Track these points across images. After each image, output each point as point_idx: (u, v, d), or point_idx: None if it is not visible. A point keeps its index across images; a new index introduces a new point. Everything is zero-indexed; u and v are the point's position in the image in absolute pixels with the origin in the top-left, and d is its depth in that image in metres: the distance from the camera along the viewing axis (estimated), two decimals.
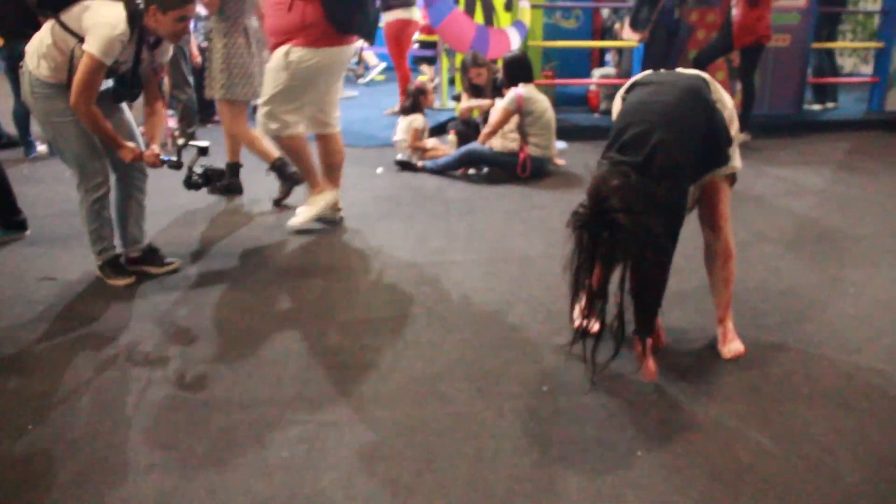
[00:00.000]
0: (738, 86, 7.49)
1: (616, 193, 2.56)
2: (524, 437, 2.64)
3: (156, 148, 3.93)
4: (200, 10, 6.35)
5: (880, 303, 3.81)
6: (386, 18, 8.19)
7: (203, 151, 4.03)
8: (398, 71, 8.36)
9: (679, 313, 3.61)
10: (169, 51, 4.07)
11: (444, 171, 6.25)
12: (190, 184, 4.13)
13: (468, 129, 6.73)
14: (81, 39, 3.62)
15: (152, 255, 4.21)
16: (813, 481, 2.41)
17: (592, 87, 8.62)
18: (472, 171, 6.28)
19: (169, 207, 5.39)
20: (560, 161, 6.46)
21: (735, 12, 7.21)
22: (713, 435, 2.65)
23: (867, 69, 9.97)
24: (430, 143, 6.72)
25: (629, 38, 7.37)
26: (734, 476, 2.43)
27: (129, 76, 3.85)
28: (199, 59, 7.49)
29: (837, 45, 9.14)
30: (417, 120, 6.64)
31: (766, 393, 2.94)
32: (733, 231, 3.21)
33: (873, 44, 8.99)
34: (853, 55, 10.73)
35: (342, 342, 3.36)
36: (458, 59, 7.62)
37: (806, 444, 2.60)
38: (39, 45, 3.71)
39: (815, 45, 8.61)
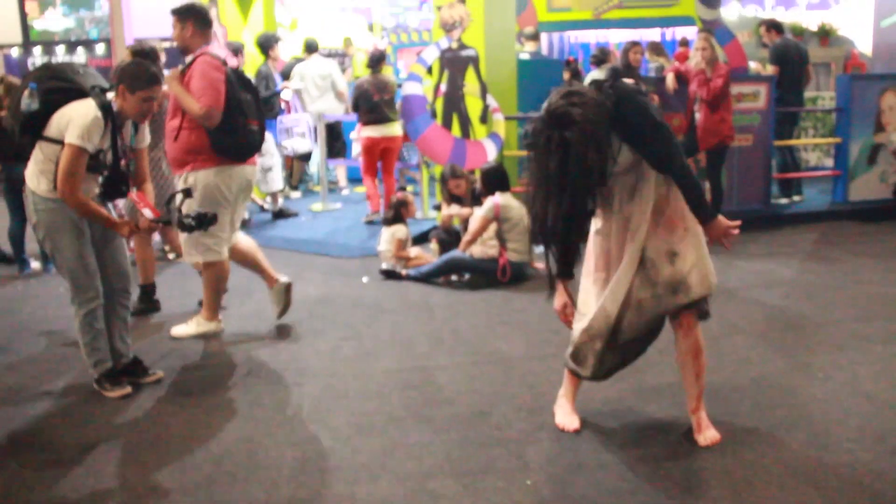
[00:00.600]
0: (707, 185, 7.81)
1: (575, 106, 2.93)
2: None
3: (147, 213, 4.10)
4: None
5: (847, 386, 3.99)
6: (360, 133, 8.57)
7: (188, 193, 4.26)
8: (379, 183, 8.66)
9: (655, 406, 3.77)
10: (146, 136, 4.30)
11: (427, 278, 6.45)
12: (183, 226, 4.21)
13: (449, 237, 6.96)
14: (62, 144, 3.90)
15: (136, 366, 4.35)
16: None
17: None
18: (454, 277, 6.49)
19: (149, 317, 5.53)
20: (538, 265, 6.68)
21: (698, 116, 7.63)
22: None
23: (831, 162, 10.41)
24: (414, 251, 6.93)
25: None
26: None
27: (113, 168, 4.07)
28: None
29: (798, 141, 9.60)
30: (400, 230, 6.87)
31: (740, 476, 3.08)
32: (703, 323, 3.41)
33: (832, 139, 9.44)
34: (816, 150, 11.20)
35: (333, 445, 3.49)
36: (438, 170, 7.95)
37: None
38: (34, 165, 4.03)
39: (778, 143, 9.04)
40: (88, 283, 4.07)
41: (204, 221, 4.16)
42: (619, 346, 3.41)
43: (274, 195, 8.99)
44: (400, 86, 8.39)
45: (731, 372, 4.21)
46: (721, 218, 3.28)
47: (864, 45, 13.23)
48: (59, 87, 4.02)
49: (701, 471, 3.14)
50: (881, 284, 5.98)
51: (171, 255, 7.29)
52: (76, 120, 3.87)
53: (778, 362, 4.36)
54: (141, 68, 4.05)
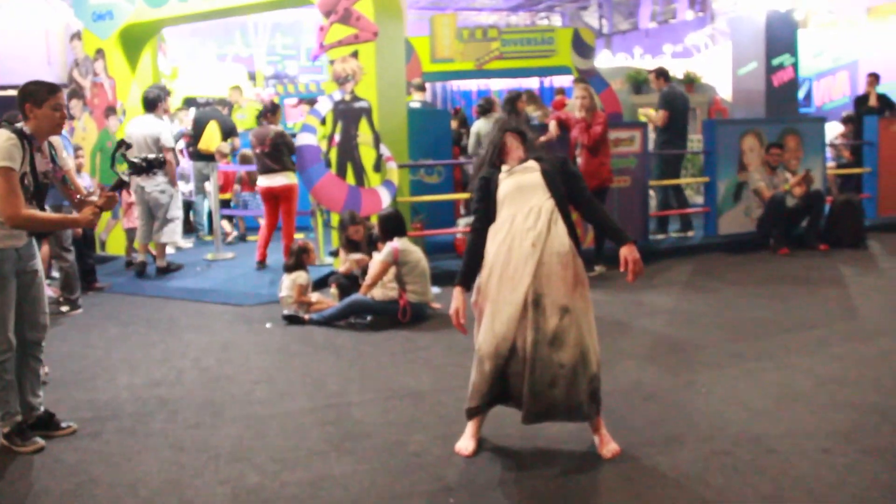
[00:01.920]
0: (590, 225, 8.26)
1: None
2: None
3: (96, 192, 4.16)
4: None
5: (727, 398, 4.45)
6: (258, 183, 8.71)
7: (123, 144, 4.34)
8: (279, 229, 8.75)
9: (560, 427, 4.09)
10: (69, 158, 4.36)
11: (330, 321, 6.63)
12: (138, 169, 4.36)
13: (349, 281, 7.18)
14: None
15: (49, 420, 4.36)
16: None
17: (459, 235, 9.30)
18: (356, 320, 6.70)
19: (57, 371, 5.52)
20: (436, 305, 6.96)
21: (580, 161, 8.14)
22: None
23: (702, 200, 11.16)
24: (315, 296, 7.09)
25: None
26: None
27: (36, 190, 4.09)
28: (79, 230, 7.66)
29: (671, 181, 10.27)
30: (301, 276, 7.01)
31: (639, 480, 3.44)
32: (599, 352, 3.76)
33: (701, 179, 10.20)
34: (687, 188, 11.94)
35: (262, 481, 3.65)
36: (335, 218, 8.16)
37: None
38: None
39: (653, 183, 9.71)
40: (3, 335, 4.06)
41: (153, 163, 4.37)
42: (507, 373, 3.70)
43: (162, 247, 8.79)
44: (294, 136, 8.60)
45: (625, 392, 4.60)
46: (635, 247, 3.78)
47: (724, 91, 14.26)
48: None
49: (607, 480, 3.47)
50: (749, 309, 6.59)
51: (64, 308, 7.23)
52: None
53: (666, 381, 4.79)
54: (38, 83, 4.11)
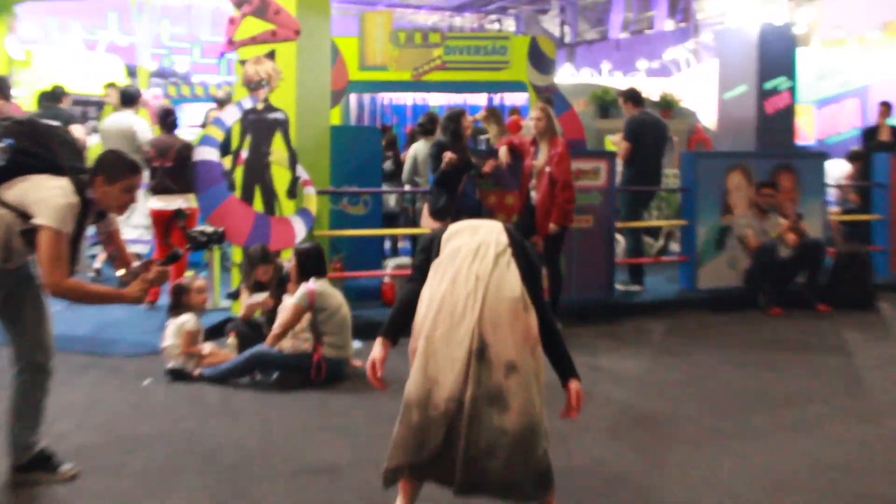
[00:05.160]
0: (544, 271, 8.34)
1: None
2: None
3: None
4: None
5: (707, 483, 4.56)
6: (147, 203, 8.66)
7: (180, 214, 4.58)
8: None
9: None
10: (115, 220, 4.66)
11: (226, 378, 6.59)
12: (197, 244, 4.67)
13: (251, 330, 7.15)
14: (20, 214, 4.13)
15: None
16: None
17: (386, 279, 9.34)
18: (259, 377, 6.68)
19: None
20: (357, 362, 6.96)
21: (536, 195, 8.27)
22: None
23: (677, 247, 11.38)
24: (207, 347, 7.03)
25: (429, 226, 8.23)
26: None
27: (71, 258, 4.28)
28: None
29: (643, 223, 10.51)
30: (189, 321, 6.91)
31: None
32: (550, 424, 3.83)
33: (677, 221, 10.44)
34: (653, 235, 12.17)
35: None
36: (237, 252, 8.14)
37: None
38: None
39: (621, 225, 9.91)
40: None
41: (213, 237, 4.69)
42: (437, 428, 3.72)
43: None
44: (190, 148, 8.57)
45: (583, 472, 4.69)
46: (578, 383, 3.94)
47: (708, 118, 14.58)
48: (36, 152, 4.26)
49: None
50: (734, 378, 6.77)
51: None
52: (52, 200, 4.11)
53: (632, 461, 4.89)
54: (119, 157, 4.43)
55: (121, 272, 4.68)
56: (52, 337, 4.60)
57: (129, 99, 9.49)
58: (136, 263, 4.73)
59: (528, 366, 3.74)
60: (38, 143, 4.33)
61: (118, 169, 4.36)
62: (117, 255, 4.77)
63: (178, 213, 4.71)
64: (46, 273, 4.12)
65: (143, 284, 4.36)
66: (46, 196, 4.14)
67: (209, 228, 4.78)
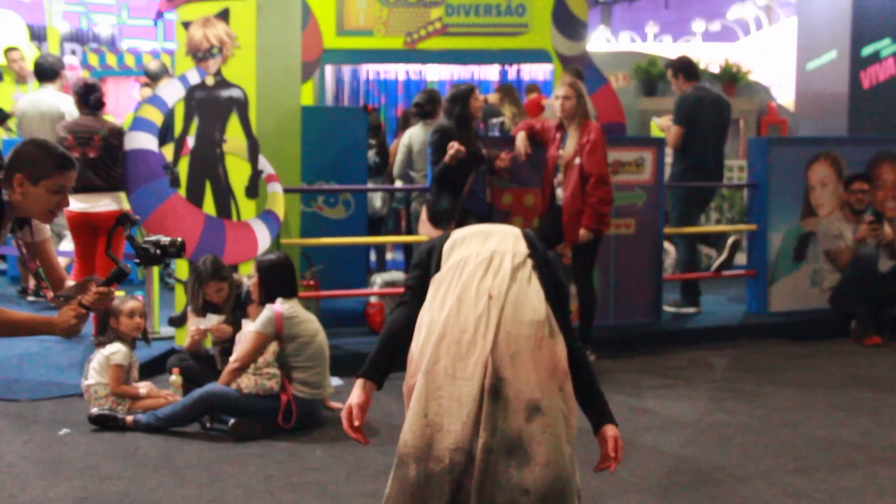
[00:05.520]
0: (573, 289, 8.35)
1: None
2: None
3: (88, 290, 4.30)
4: None
5: None
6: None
7: (128, 220, 4.53)
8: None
9: None
10: (45, 230, 4.57)
11: (169, 426, 6.61)
12: (149, 259, 4.50)
13: (199, 364, 7.18)
14: None
15: None
16: None
17: (373, 300, 9.35)
18: (210, 423, 6.71)
19: None
20: (336, 404, 6.99)
21: (562, 194, 8.31)
22: None
23: (741, 259, 11.38)
24: (143, 387, 7.05)
25: (427, 234, 8.24)
26: None
27: None
28: None
29: (699, 229, 10.52)
30: (118, 354, 6.91)
31: None
32: (584, 481, 3.88)
33: (743, 226, 10.44)
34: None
35: None
36: (182, 266, 8.18)
37: None
38: None
39: (670, 231, 9.96)
40: None
41: (168, 249, 4.54)
42: (444, 489, 3.70)
43: None
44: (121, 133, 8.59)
45: None
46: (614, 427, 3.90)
47: (785, 95, 14.54)
48: None
49: None
50: (819, 425, 6.79)
51: None
52: None
53: None
54: (44, 149, 4.33)
55: (48, 295, 4.57)
56: None
57: (50, 72, 9.48)
58: (69, 283, 4.66)
59: (556, 407, 3.68)
60: None
61: (43, 164, 4.26)
62: (44, 274, 4.63)
63: (126, 218, 4.59)
64: None
65: (78, 311, 4.24)
66: None
67: (165, 238, 4.62)
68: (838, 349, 9.19)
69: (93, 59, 15.98)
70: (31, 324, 4.35)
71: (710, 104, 10.17)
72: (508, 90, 11.20)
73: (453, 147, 8.03)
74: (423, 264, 3.99)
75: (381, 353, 3.91)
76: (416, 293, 3.93)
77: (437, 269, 3.92)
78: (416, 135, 9.96)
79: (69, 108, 9.37)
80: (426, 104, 10.13)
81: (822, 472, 5.83)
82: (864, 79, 10.99)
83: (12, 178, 4.25)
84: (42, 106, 9.51)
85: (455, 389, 3.64)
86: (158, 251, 4.51)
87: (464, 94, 8.51)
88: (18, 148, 4.41)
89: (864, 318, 9.44)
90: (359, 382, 3.86)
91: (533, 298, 3.76)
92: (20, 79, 12.15)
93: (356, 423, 3.81)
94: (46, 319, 4.31)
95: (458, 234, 4.00)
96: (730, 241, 10.34)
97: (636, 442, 6.38)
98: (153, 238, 4.56)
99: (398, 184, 10.47)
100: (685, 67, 10.35)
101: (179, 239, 4.63)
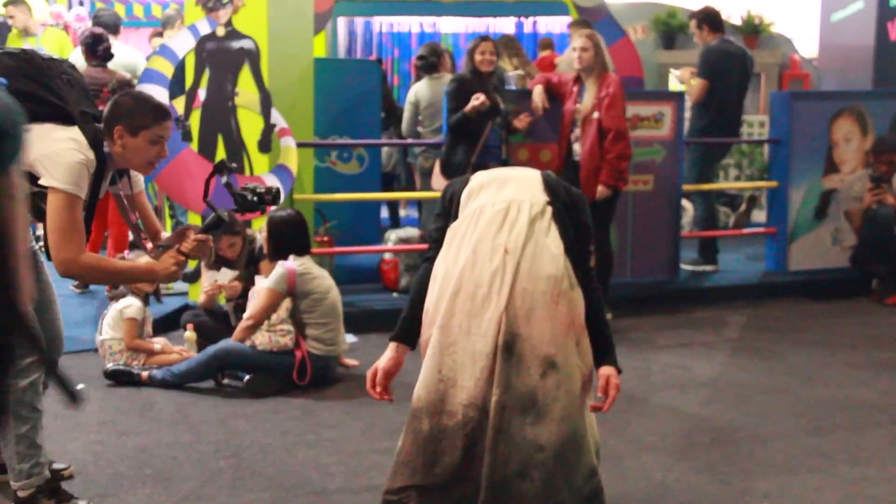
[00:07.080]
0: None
1: None
2: None
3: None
4: None
5: None
6: None
7: (225, 167, 4.71)
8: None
9: None
10: (140, 181, 4.75)
11: (183, 382, 6.68)
12: (246, 206, 4.66)
13: (214, 321, 7.23)
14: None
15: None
16: None
17: (387, 257, 9.38)
18: (225, 380, 6.80)
19: None
20: (350, 361, 7.07)
21: (580, 149, 8.34)
22: None
23: (760, 216, 11.39)
24: (158, 342, 7.12)
25: (440, 188, 8.25)
26: None
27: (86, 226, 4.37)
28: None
29: (718, 185, 10.55)
30: (133, 307, 7.00)
31: None
32: (602, 440, 3.94)
33: (764, 183, 10.44)
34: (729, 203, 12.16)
35: None
36: (194, 221, 8.21)
37: None
38: None
39: (689, 188, 9.98)
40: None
41: (268, 197, 4.67)
42: (454, 442, 3.74)
43: None
44: (131, 85, 8.63)
45: (641, 501, 4.79)
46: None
47: (808, 47, 14.46)
48: (37, 96, 4.25)
49: None
50: (839, 385, 6.84)
51: None
52: (60, 156, 4.13)
53: (705, 489, 5.00)
54: (142, 101, 4.48)
55: (148, 246, 4.74)
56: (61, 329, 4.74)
57: (114, 28, 9.71)
58: (164, 234, 4.82)
59: (571, 363, 3.72)
60: (38, 82, 4.31)
61: (141, 115, 4.35)
62: (147, 226, 4.82)
63: (223, 165, 4.65)
64: (58, 248, 4.13)
65: (177, 258, 4.39)
66: (55, 150, 4.15)
67: (261, 186, 4.73)
68: (859, 308, 9.25)
69: (100, 6, 15.90)
70: (132, 271, 4.62)
71: (735, 58, 10.12)
72: (506, 42, 10.98)
73: (479, 98, 8.07)
74: (444, 213, 4.04)
75: (412, 313, 3.97)
76: (440, 247, 3.96)
77: (456, 216, 3.95)
78: (421, 90, 9.93)
79: (141, 62, 9.49)
80: (429, 56, 10.11)
81: (842, 432, 5.87)
82: (891, 30, 10.89)
83: (112, 130, 4.35)
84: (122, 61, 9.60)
85: (469, 345, 3.69)
86: (255, 198, 4.64)
87: (471, 47, 8.58)
88: (117, 99, 4.51)
89: (885, 277, 9.51)
90: (391, 346, 3.97)
91: (551, 252, 3.77)
92: (26, 32, 12.12)
93: (380, 386, 3.93)
94: (148, 267, 4.51)
95: (477, 179, 4.02)
96: (746, 195, 10.33)
97: (653, 401, 6.44)
98: (251, 185, 4.68)
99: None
100: (710, 18, 10.27)
101: (276, 186, 4.80)
